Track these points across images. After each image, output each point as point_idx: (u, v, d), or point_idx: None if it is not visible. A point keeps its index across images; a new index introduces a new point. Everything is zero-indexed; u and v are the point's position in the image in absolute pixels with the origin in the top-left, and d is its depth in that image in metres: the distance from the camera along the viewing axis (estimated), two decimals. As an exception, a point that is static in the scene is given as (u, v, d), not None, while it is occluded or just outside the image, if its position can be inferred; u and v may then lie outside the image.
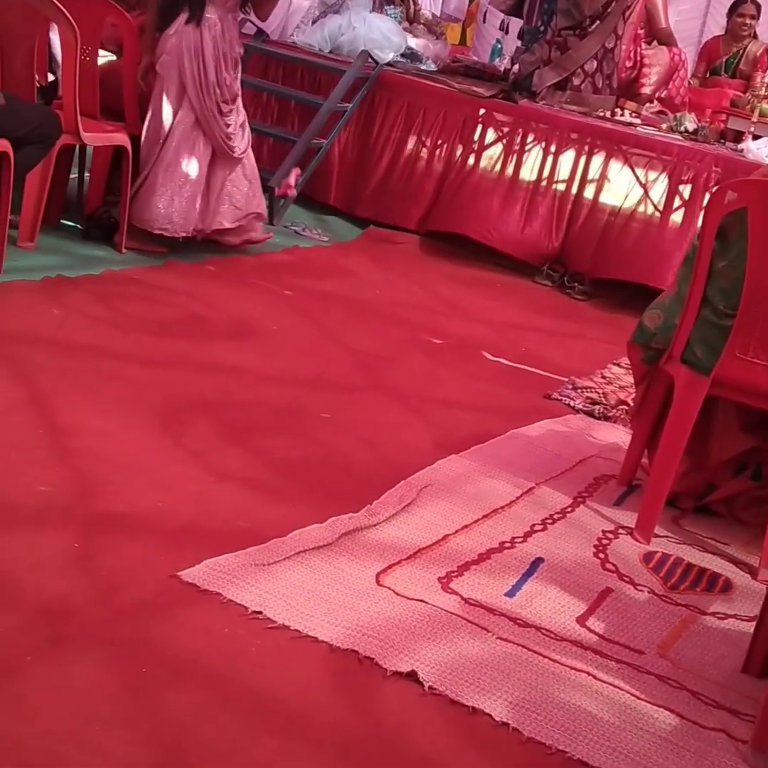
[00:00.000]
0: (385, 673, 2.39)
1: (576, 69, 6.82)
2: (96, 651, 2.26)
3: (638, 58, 7.44)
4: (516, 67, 7.13)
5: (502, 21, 8.48)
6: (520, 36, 7.33)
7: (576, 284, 6.31)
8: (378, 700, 2.32)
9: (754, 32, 8.37)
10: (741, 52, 8.32)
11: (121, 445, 3.23)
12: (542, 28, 6.82)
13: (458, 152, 6.65)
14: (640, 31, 7.50)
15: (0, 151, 4.30)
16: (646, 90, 7.47)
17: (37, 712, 2.05)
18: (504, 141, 6.56)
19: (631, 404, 4.05)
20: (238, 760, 2.06)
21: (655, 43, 7.68)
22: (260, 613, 2.49)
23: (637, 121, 6.80)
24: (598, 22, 6.72)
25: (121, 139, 5.03)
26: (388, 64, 7.05)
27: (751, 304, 3.11)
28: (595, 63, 6.83)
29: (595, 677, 2.53)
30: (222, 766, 2.04)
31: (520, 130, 6.52)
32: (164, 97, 5.10)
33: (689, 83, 8.07)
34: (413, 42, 7.76)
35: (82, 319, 4.19)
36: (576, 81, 6.85)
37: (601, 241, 6.30)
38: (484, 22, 10.11)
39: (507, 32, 8.41)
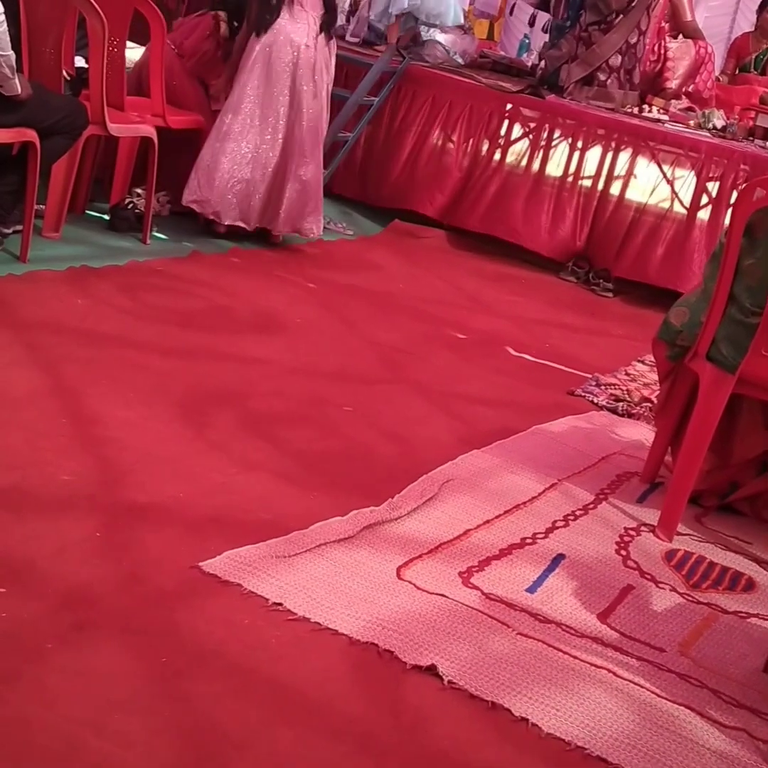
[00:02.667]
0: (405, 666, 2.39)
1: (601, 64, 6.79)
2: (117, 639, 2.27)
3: (662, 52, 7.38)
4: (543, 62, 7.10)
5: (531, 14, 8.44)
6: (546, 30, 7.30)
7: (601, 281, 6.28)
8: (397, 694, 2.32)
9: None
10: (771, 48, 8.26)
11: (145, 435, 3.23)
12: (569, 23, 6.80)
13: (484, 147, 6.63)
14: (665, 25, 7.45)
15: (27, 141, 4.32)
16: (672, 85, 7.41)
17: (57, 698, 2.06)
18: (530, 136, 6.54)
19: (655, 401, 4.03)
20: (257, 750, 2.06)
21: (680, 37, 7.63)
22: (281, 604, 2.50)
23: (665, 117, 6.76)
24: (622, 16, 6.69)
25: (147, 130, 5.05)
26: (415, 58, 7.03)
27: (778, 303, 3.09)
28: (619, 58, 6.80)
29: (615, 674, 2.52)
30: (240, 755, 2.04)
31: (546, 125, 6.50)
32: None
33: (718, 79, 8.01)
34: (441, 37, 7.74)
35: (107, 310, 4.21)
36: (602, 76, 6.82)
37: (627, 238, 6.27)
38: (511, 14, 10.06)
39: (533, 25, 8.38)
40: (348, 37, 7.37)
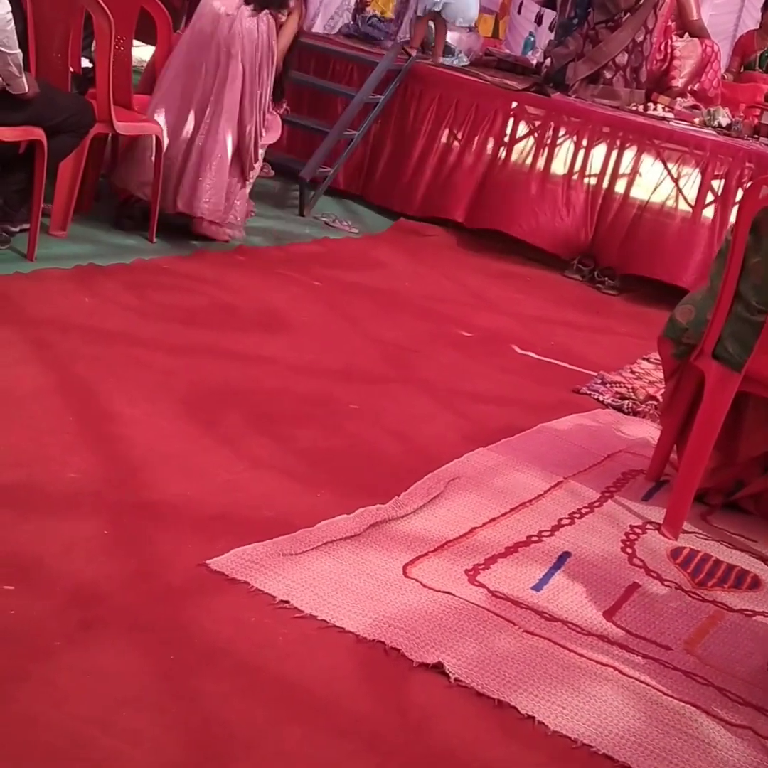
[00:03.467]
0: (412, 664, 2.39)
1: (607, 62, 6.79)
2: (125, 637, 2.28)
3: (669, 51, 7.38)
4: (548, 60, 7.10)
5: (538, 12, 8.44)
6: (552, 28, 7.30)
7: (606, 279, 6.28)
8: (404, 692, 2.32)
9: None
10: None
11: (151, 433, 3.24)
12: (576, 21, 6.79)
13: (490, 145, 6.64)
14: (671, 24, 7.44)
15: (34, 140, 4.33)
16: (678, 83, 7.41)
17: (66, 696, 2.07)
18: (536, 134, 6.54)
19: (661, 399, 4.03)
20: (264, 748, 2.07)
21: (687, 35, 7.63)
22: (287, 602, 2.50)
23: (670, 115, 6.76)
24: (630, 14, 6.69)
25: (154, 129, 5.05)
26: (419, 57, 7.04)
27: (784, 301, 3.10)
28: (626, 56, 6.80)
29: (621, 672, 2.52)
30: (248, 753, 2.05)
31: (551, 123, 6.50)
32: None
33: (723, 78, 8.01)
34: (447, 35, 7.74)
35: (113, 307, 4.21)
36: (608, 74, 6.82)
37: (632, 236, 6.27)
38: (519, 13, 10.06)
39: (540, 24, 8.38)
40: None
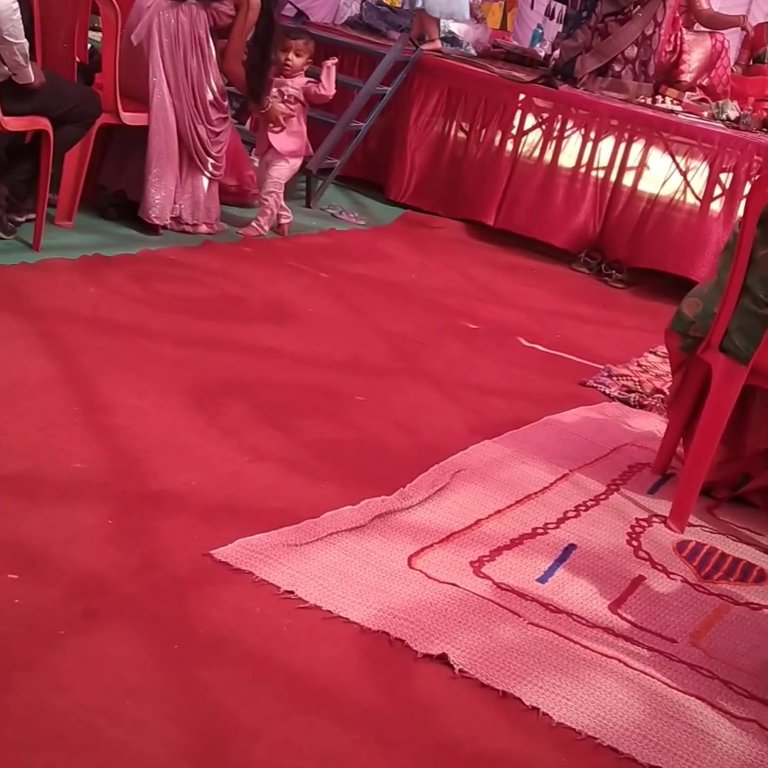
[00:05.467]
0: (416, 655, 2.39)
1: (617, 55, 6.77)
2: (130, 626, 2.28)
3: (678, 43, 7.36)
4: (557, 52, 7.08)
5: (548, 6, 8.42)
6: (561, 20, 7.29)
7: (613, 272, 6.27)
8: (408, 682, 2.32)
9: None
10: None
11: (157, 424, 3.24)
12: (585, 14, 6.77)
13: (497, 137, 6.62)
14: (679, 16, 7.42)
15: (40, 130, 4.33)
16: (687, 77, 7.40)
17: (71, 685, 2.07)
18: (543, 127, 6.53)
19: (667, 393, 4.02)
20: (269, 737, 2.07)
21: (697, 26, 7.60)
22: (292, 592, 2.50)
23: (678, 108, 6.75)
24: (640, 7, 6.67)
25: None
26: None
27: (792, 294, 3.09)
28: (635, 49, 6.78)
29: (626, 664, 2.52)
30: (253, 743, 2.05)
31: (559, 116, 6.49)
32: None
33: (732, 71, 7.98)
34: (454, 26, 7.74)
35: (119, 298, 4.21)
36: (617, 67, 6.81)
37: (640, 229, 6.26)
38: (532, 8, 10.03)
39: (552, 17, 8.35)
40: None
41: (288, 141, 5.51)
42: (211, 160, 5.20)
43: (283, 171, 5.53)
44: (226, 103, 5.27)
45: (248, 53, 5.20)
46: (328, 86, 5.53)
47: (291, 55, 5.47)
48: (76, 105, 4.47)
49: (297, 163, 5.64)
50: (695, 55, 7.38)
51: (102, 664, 2.15)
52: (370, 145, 6.98)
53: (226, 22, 5.11)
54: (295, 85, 5.50)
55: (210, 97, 5.13)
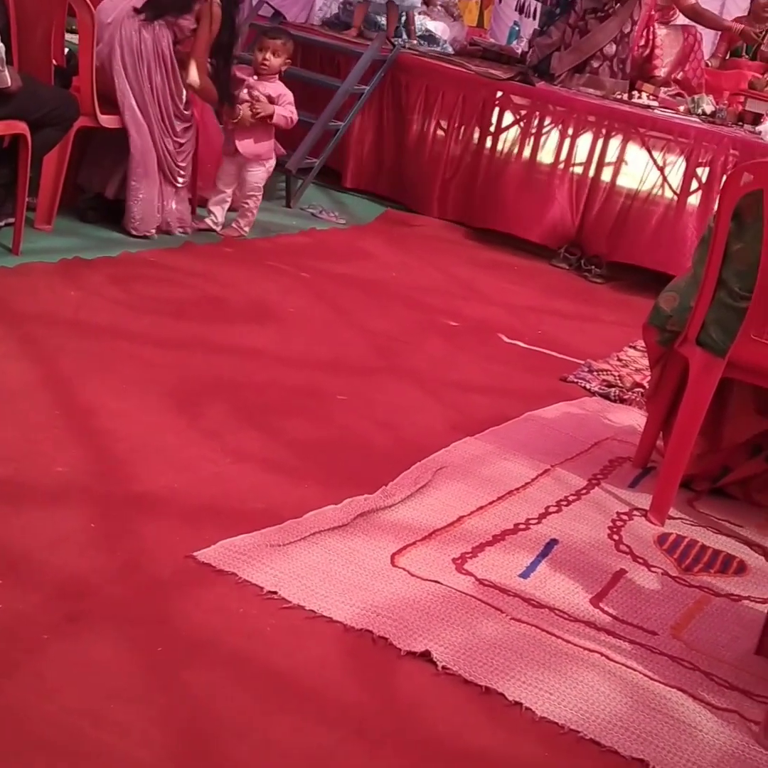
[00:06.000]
0: (399, 653, 2.40)
1: (596, 52, 6.79)
2: (113, 629, 2.28)
3: (651, 38, 7.39)
4: (532, 50, 7.10)
5: (519, 1, 8.44)
6: (532, 16, 7.33)
7: (593, 267, 6.30)
8: (392, 680, 2.33)
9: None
10: (763, 34, 8.25)
11: (139, 426, 3.24)
12: (558, 10, 6.79)
13: (476, 135, 6.64)
14: (654, 14, 7.44)
15: (18, 133, 4.32)
16: (661, 72, 7.43)
17: (55, 690, 2.07)
18: (521, 124, 6.55)
19: (647, 387, 4.04)
20: (253, 737, 2.08)
21: (677, 18, 7.62)
22: (275, 593, 2.51)
23: (655, 103, 6.77)
24: (619, 4, 6.69)
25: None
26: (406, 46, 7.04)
27: (767, 287, 3.10)
28: (614, 47, 6.81)
29: (608, 658, 2.54)
30: (237, 743, 2.05)
31: (537, 113, 6.51)
32: None
33: (707, 65, 8.01)
34: (431, 24, 7.75)
35: (100, 301, 4.21)
36: (595, 64, 6.83)
37: (618, 225, 6.29)
38: (499, 2, 10.06)
39: (522, 12, 8.38)
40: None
41: (256, 146, 5.48)
42: (179, 170, 5.21)
43: (260, 175, 5.52)
44: (188, 113, 5.24)
45: (211, 63, 5.17)
46: (288, 116, 5.50)
47: (268, 55, 5.43)
48: (53, 108, 4.46)
49: (271, 163, 5.63)
50: (668, 49, 7.41)
51: (86, 667, 2.15)
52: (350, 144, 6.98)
53: (187, 35, 5.07)
54: (269, 89, 5.46)
55: (174, 110, 5.12)
